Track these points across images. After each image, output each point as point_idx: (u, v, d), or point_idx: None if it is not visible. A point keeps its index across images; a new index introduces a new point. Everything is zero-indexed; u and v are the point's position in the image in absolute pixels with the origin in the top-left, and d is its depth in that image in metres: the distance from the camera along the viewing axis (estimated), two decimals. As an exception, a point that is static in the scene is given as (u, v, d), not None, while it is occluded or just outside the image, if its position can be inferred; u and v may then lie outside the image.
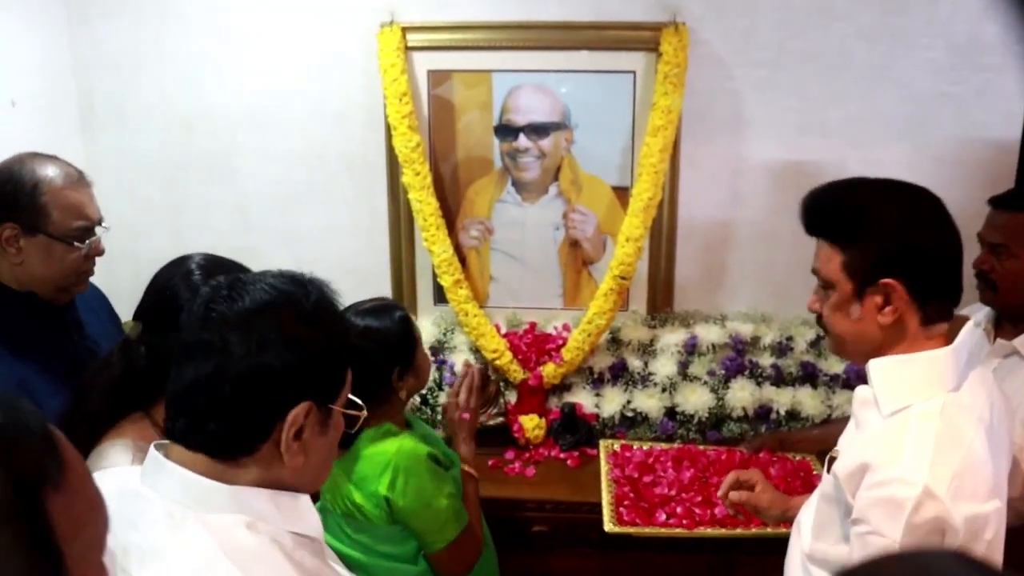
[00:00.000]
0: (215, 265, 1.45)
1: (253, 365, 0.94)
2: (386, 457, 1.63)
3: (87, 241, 1.66)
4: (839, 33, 2.38)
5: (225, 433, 0.96)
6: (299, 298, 0.99)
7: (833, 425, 2.32)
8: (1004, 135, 2.41)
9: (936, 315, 1.28)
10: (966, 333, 1.29)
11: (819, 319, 1.38)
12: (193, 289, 1.37)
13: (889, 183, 1.33)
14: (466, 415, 1.93)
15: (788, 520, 1.78)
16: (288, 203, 2.55)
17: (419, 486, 1.62)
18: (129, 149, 2.52)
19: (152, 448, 1.01)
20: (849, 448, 1.30)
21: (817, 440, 2.28)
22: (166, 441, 1.01)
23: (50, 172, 1.63)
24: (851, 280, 1.29)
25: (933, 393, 1.24)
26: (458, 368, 2.47)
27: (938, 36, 2.37)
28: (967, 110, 2.41)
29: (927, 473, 1.15)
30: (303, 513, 1.02)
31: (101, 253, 1.72)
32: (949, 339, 1.29)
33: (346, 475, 1.66)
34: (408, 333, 1.78)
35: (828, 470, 1.34)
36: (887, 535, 1.14)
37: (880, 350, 1.29)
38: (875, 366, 1.29)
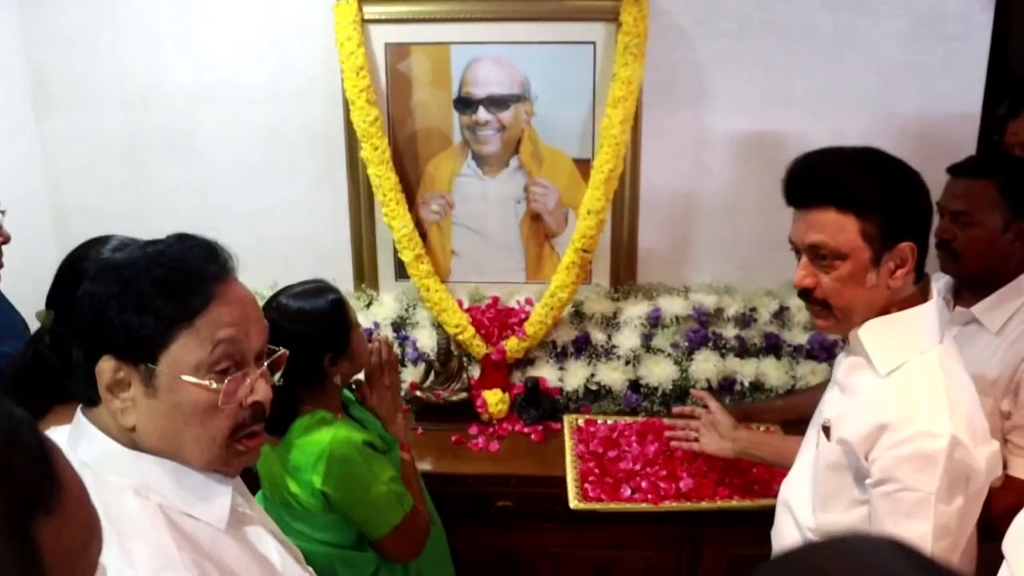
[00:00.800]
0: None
1: (75, 323, 0.98)
2: (319, 447, 1.58)
3: None
4: (803, 3, 2.36)
5: (75, 387, 1.00)
6: (130, 263, 0.99)
7: (796, 396, 2.33)
8: (966, 105, 2.41)
9: (920, 273, 1.33)
10: (936, 289, 1.34)
11: (805, 295, 1.36)
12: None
13: (873, 149, 1.34)
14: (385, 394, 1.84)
15: (742, 455, 1.85)
16: (248, 181, 2.53)
17: (355, 475, 1.59)
18: (85, 129, 2.48)
19: (79, 411, 1.01)
20: (849, 414, 1.31)
21: (780, 411, 2.29)
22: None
23: None
24: (870, 247, 1.29)
25: (926, 347, 1.29)
26: (421, 344, 2.46)
27: (901, 6, 2.36)
28: (930, 80, 2.40)
29: (949, 423, 1.19)
30: (211, 499, 1.01)
31: (7, 240, 1.66)
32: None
33: (281, 464, 1.62)
34: (341, 316, 1.71)
35: (828, 438, 1.34)
36: (921, 488, 1.18)
37: (881, 312, 1.32)
38: (864, 331, 1.31)
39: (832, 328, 1.38)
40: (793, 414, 2.25)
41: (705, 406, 1.96)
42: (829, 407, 1.40)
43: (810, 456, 1.44)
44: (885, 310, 1.32)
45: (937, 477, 1.17)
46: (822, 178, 1.32)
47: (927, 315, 1.31)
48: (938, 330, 1.31)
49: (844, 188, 1.30)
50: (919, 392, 1.24)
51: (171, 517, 0.95)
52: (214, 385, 0.98)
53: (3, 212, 1.65)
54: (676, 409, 1.88)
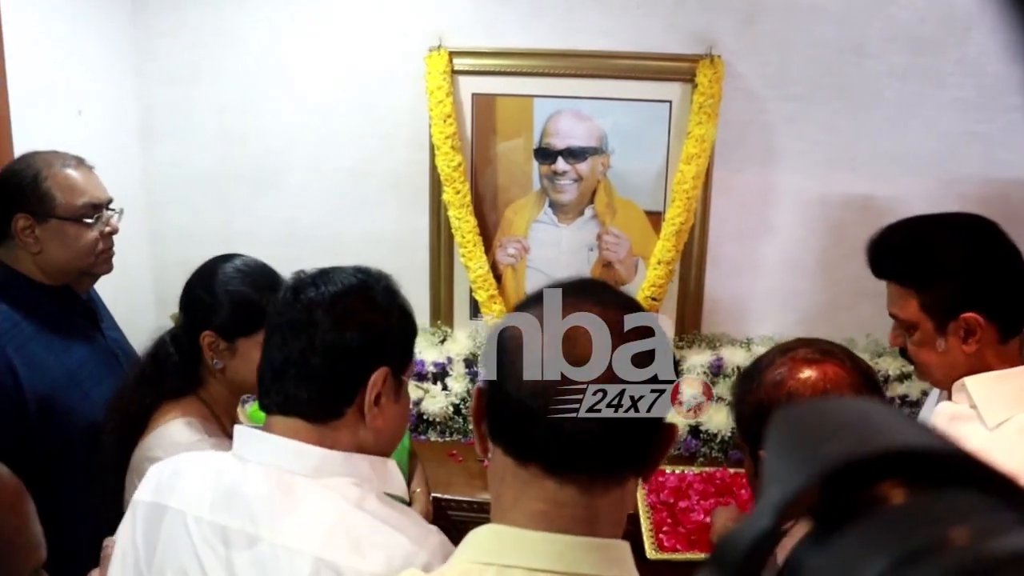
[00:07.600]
0: (252, 267, 1.63)
1: (337, 339, 1.09)
2: None
3: (96, 218, 1.74)
4: (871, 71, 2.46)
5: (317, 399, 1.10)
6: (371, 285, 1.15)
7: None
8: (1028, 174, 2.49)
9: (1012, 332, 1.37)
10: None
11: (902, 351, 1.46)
12: (228, 286, 1.55)
13: (945, 219, 1.41)
14: None
15: None
16: (334, 217, 2.65)
17: None
18: (185, 161, 2.63)
19: (245, 428, 1.13)
20: None
21: None
22: (247, 426, 1.15)
23: (49, 159, 1.72)
24: (931, 319, 1.36)
25: None
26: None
27: (967, 75, 2.44)
28: (993, 149, 2.48)
29: None
30: (392, 476, 1.16)
31: (115, 231, 1.80)
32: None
33: None
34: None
35: None
36: None
37: (968, 372, 1.37)
38: (973, 384, 1.36)
39: (919, 377, 1.49)
40: None
41: None
42: None
43: None
44: (971, 369, 1.37)
45: None
46: (884, 256, 1.41)
47: None
48: None
49: (901, 266, 1.39)
50: None
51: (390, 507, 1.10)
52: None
53: (115, 210, 1.82)
54: None
